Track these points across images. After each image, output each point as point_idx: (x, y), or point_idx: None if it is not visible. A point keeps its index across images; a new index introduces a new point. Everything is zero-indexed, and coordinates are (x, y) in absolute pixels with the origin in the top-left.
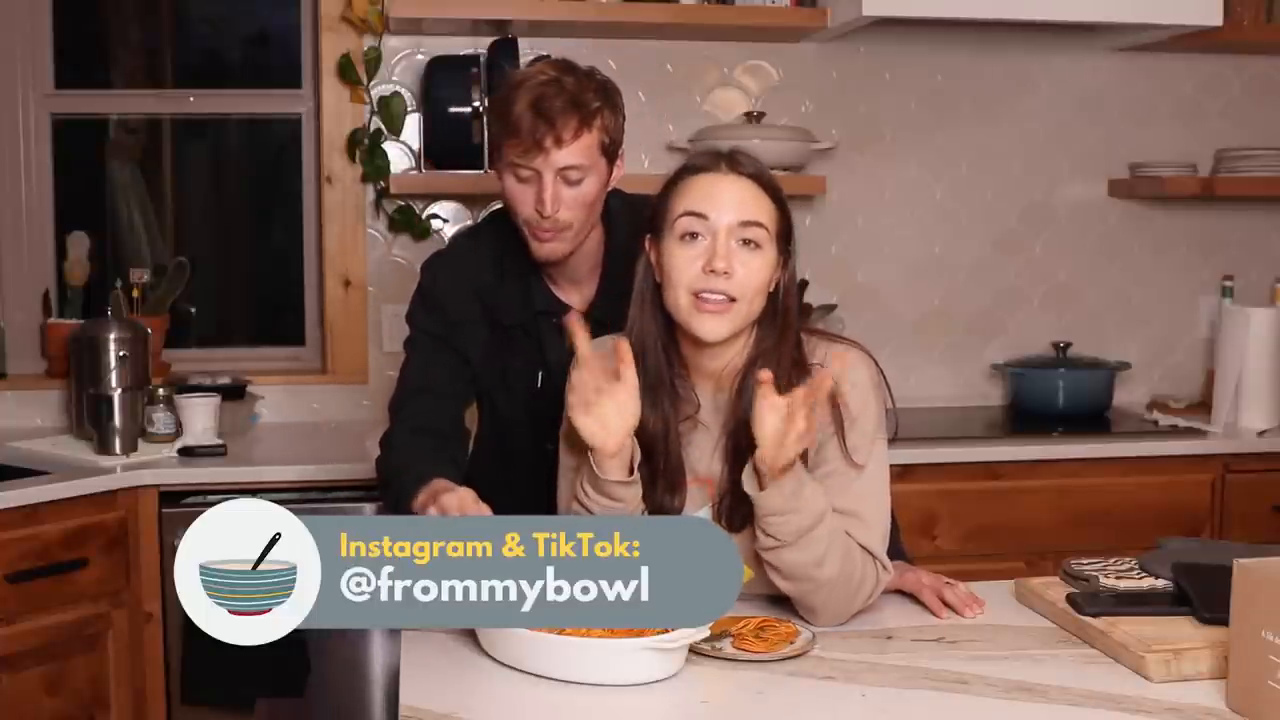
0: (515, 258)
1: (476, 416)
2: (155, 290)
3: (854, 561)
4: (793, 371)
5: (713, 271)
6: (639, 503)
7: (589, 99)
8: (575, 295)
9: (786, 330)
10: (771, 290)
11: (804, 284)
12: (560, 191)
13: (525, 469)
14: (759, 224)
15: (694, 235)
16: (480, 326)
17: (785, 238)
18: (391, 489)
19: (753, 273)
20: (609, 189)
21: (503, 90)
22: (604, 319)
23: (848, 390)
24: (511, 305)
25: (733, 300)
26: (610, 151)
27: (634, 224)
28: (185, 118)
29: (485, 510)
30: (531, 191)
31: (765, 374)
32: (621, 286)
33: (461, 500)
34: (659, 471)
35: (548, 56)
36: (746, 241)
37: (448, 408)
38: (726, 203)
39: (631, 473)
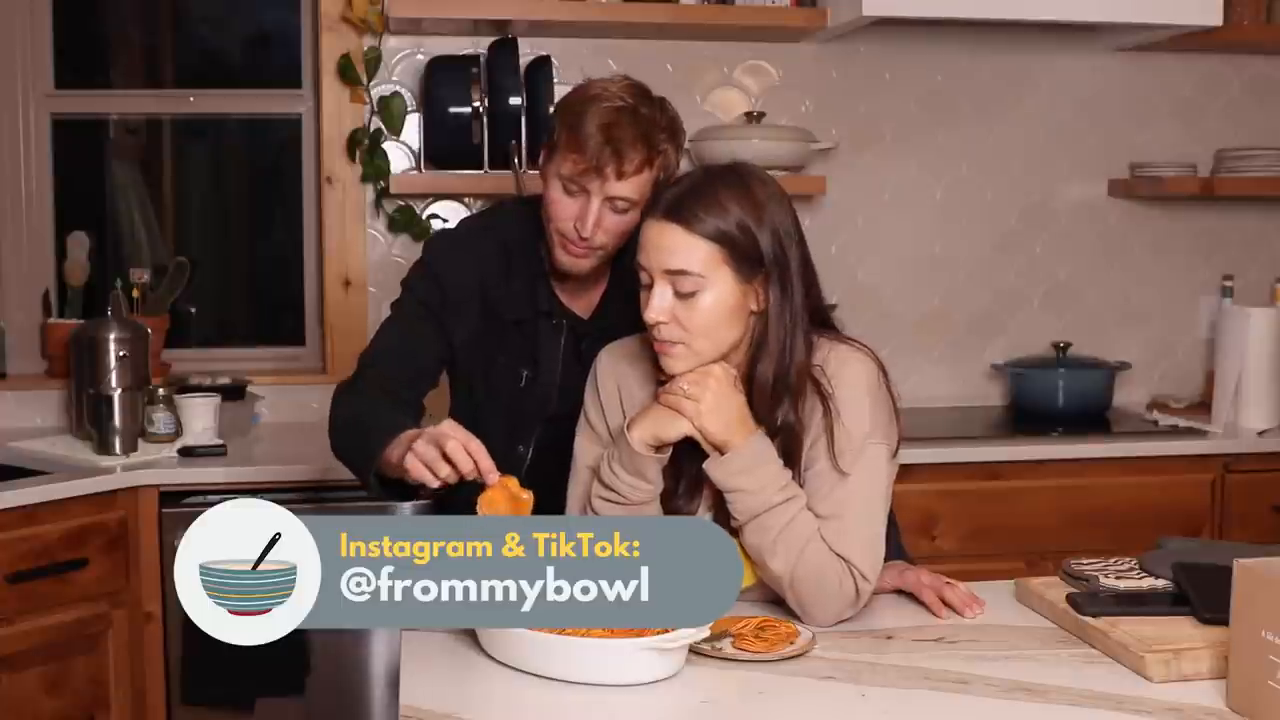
0: (524, 256)
1: (450, 400)
2: (155, 290)
3: (818, 564)
4: (797, 386)
5: (650, 324)
6: (660, 485)
7: (659, 138)
8: (579, 301)
9: (779, 349)
10: (758, 310)
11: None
12: (604, 217)
13: (498, 459)
14: (683, 271)
15: (645, 285)
16: (474, 316)
17: (750, 261)
18: (350, 431)
19: (695, 315)
20: None
21: (575, 98)
22: (605, 327)
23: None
24: (515, 302)
25: (676, 343)
26: (675, 283)
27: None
28: (185, 118)
29: (468, 435)
30: (575, 207)
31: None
32: (624, 298)
33: (449, 430)
34: (680, 477)
35: (548, 58)
36: (678, 289)
37: (416, 380)
38: (653, 252)
39: (659, 450)
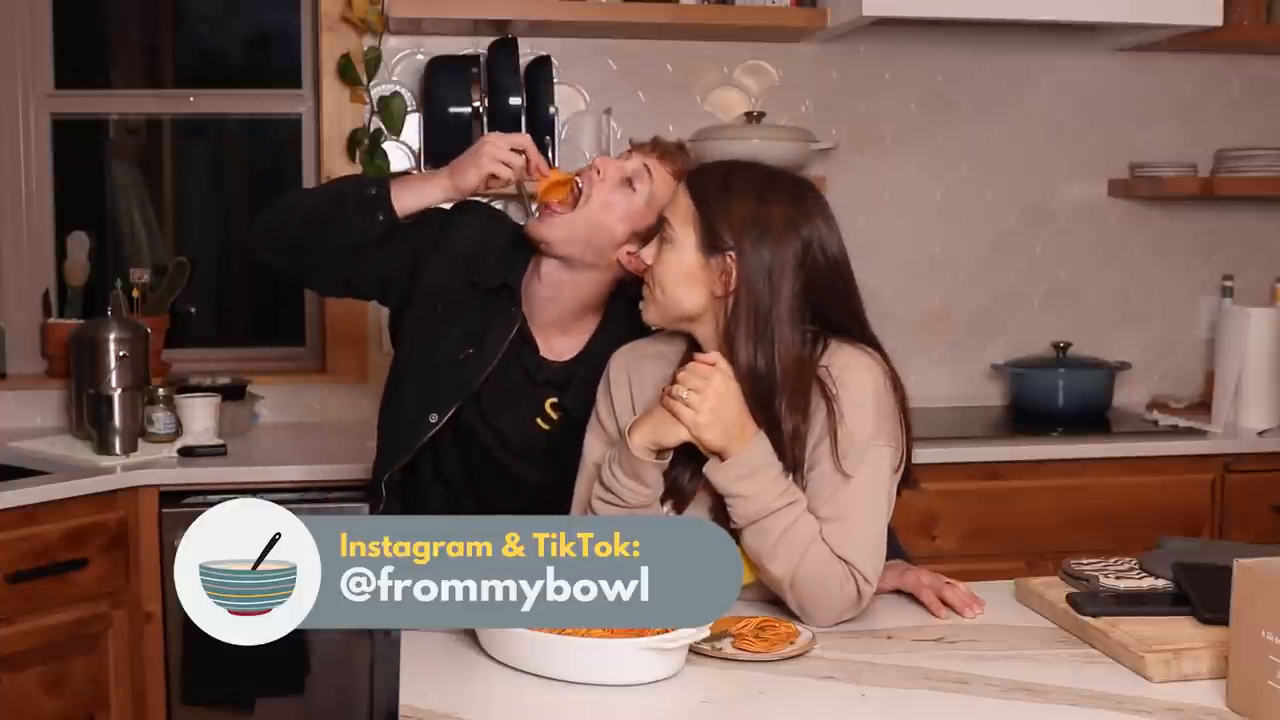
0: (518, 251)
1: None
2: (155, 290)
3: (819, 567)
4: (795, 381)
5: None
6: (660, 489)
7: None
8: (545, 339)
9: (752, 338)
10: (721, 294)
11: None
12: (612, 176)
13: (400, 430)
14: (665, 219)
15: None
16: (454, 275)
17: (714, 240)
18: (326, 192)
19: (660, 265)
20: (625, 268)
21: None
22: (561, 383)
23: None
24: (495, 266)
25: (649, 288)
26: (661, 223)
27: (634, 328)
28: (185, 118)
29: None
30: (603, 160)
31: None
32: (595, 373)
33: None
34: (679, 462)
35: (548, 58)
36: (662, 235)
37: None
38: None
39: (660, 455)
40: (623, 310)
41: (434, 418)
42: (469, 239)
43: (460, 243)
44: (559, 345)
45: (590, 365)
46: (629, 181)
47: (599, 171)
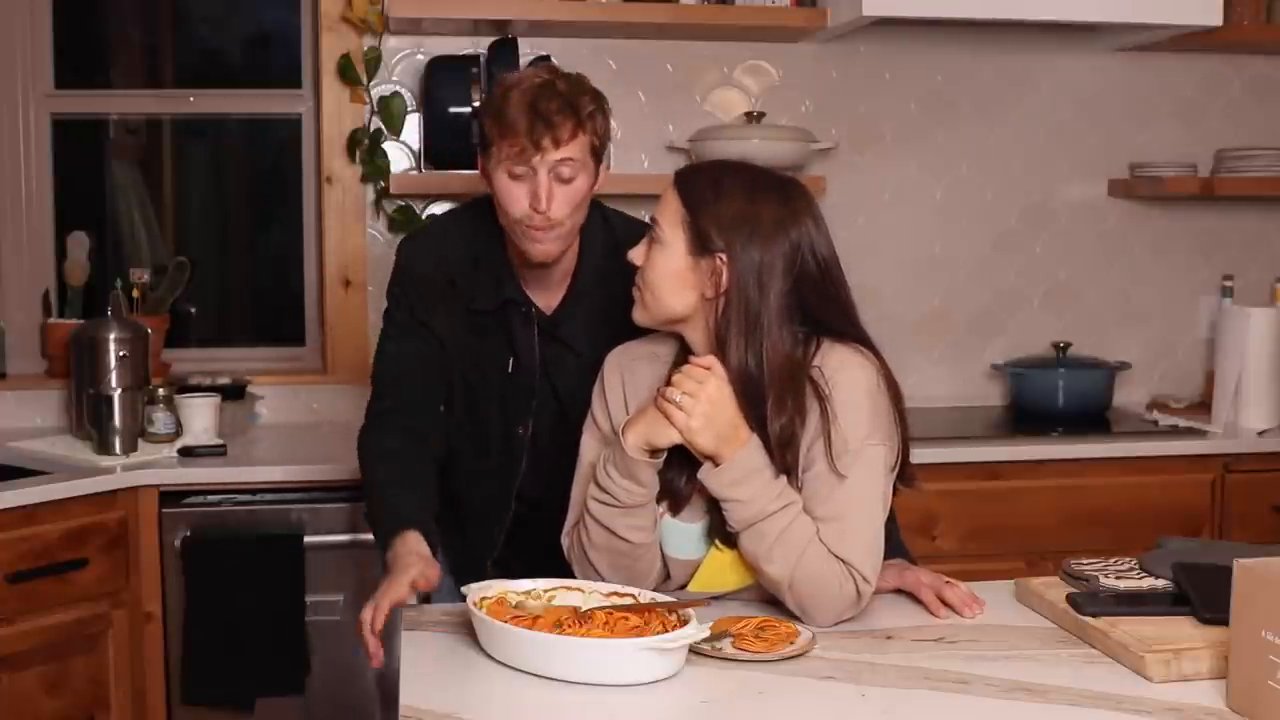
0: (489, 247)
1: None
2: (155, 290)
3: (817, 567)
4: (786, 382)
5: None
6: (655, 488)
7: (583, 103)
8: (541, 298)
9: (742, 339)
10: (711, 296)
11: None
12: (554, 189)
13: (498, 450)
14: (656, 221)
15: None
16: (451, 306)
17: (704, 241)
18: (371, 502)
19: (650, 267)
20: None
21: (495, 92)
22: (566, 319)
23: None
24: (482, 292)
25: (639, 290)
26: (599, 154)
27: (610, 241)
28: (185, 118)
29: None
30: (525, 189)
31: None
32: (587, 298)
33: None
34: (673, 463)
35: (548, 57)
36: (652, 238)
37: (424, 397)
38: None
39: (653, 455)
40: (596, 234)
41: (521, 430)
42: (432, 270)
43: (430, 280)
44: (557, 296)
45: (578, 296)
46: (563, 180)
47: (547, 214)
